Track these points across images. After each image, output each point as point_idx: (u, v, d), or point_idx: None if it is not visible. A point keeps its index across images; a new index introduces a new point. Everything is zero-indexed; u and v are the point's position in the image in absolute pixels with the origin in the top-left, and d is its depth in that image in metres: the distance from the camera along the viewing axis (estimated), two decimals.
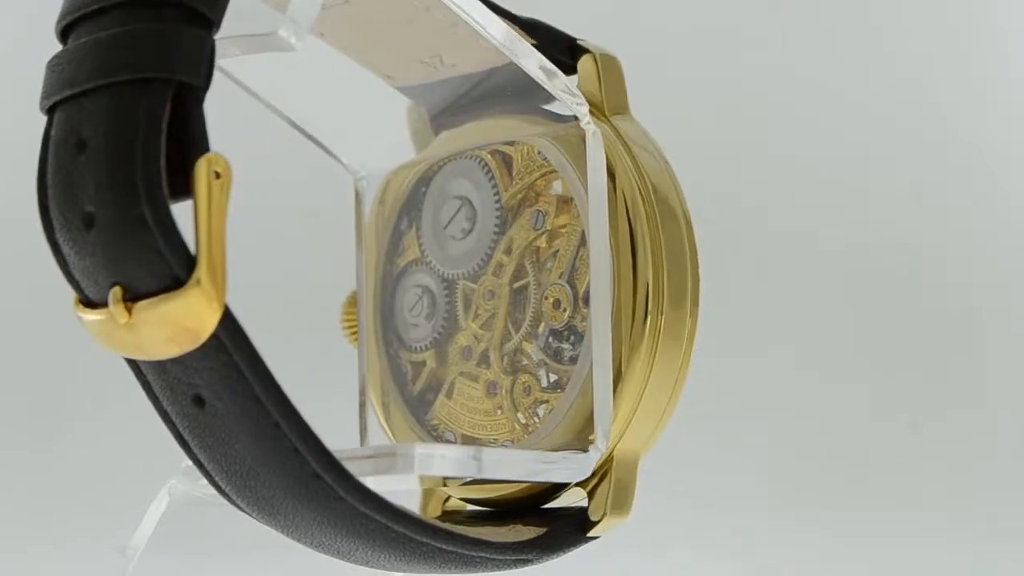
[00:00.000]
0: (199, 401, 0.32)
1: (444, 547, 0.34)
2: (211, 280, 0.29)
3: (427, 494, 0.43)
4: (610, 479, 0.36)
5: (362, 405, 0.45)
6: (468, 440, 0.41)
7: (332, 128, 0.44)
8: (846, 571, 0.55)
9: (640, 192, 0.37)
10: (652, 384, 0.36)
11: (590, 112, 0.38)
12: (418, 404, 0.44)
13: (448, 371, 0.43)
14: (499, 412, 0.41)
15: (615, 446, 0.37)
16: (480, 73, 0.40)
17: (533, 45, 0.37)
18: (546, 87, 0.37)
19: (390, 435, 0.44)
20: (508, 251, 0.41)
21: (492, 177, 0.42)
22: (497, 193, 0.41)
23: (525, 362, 0.40)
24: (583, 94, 0.39)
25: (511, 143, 0.41)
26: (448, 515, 0.42)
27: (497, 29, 0.35)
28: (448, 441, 0.42)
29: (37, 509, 0.55)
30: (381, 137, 0.44)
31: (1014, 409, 0.59)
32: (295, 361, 0.53)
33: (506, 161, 0.42)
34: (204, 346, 0.30)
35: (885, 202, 0.61)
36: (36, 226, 0.32)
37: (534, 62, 0.36)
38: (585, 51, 0.41)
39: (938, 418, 0.59)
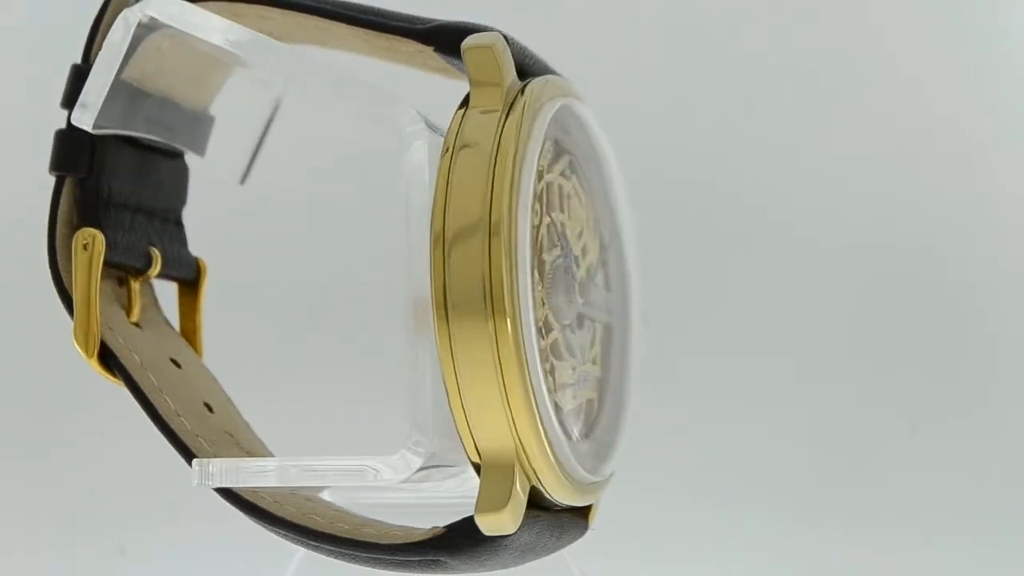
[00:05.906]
0: None
1: (322, 546, 0.34)
2: (78, 332, 0.35)
3: None
4: (481, 476, 0.35)
5: None
6: None
7: None
8: (846, 572, 0.55)
9: (442, 201, 0.35)
10: (465, 383, 0.34)
11: (466, 108, 0.36)
12: None
13: None
14: None
15: (474, 444, 0.35)
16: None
17: (434, 50, 0.36)
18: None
19: None
20: None
21: None
22: None
23: None
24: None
25: None
26: None
27: (279, 58, 0.36)
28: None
29: (35, 510, 0.55)
30: None
31: (1016, 410, 0.59)
32: None
33: None
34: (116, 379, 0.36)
35: (885, 202, 0.61)
36: (37, 227, 0.37)
37: (330, 77, 0.36)
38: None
39: (938, 419, 0.59)
